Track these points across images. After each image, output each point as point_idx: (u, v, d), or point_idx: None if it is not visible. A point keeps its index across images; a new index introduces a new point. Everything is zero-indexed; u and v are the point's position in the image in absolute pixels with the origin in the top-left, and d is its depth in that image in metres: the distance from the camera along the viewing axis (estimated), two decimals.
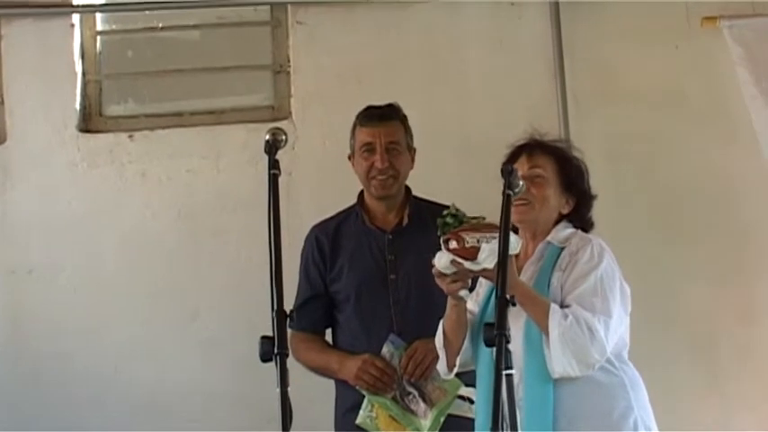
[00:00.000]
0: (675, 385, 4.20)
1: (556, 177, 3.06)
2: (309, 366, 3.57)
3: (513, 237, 2.73)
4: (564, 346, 2.80)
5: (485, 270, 2.77)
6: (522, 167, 2.99)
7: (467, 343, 2.97)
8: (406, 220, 3.60)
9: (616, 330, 2.89)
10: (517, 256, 2.95)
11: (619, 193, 4.19)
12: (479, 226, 2.81)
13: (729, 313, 4.37)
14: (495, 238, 2.73)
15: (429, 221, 3.26)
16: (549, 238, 3.01)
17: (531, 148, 3.09)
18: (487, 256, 2.75)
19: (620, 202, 4.15)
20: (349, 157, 3.66)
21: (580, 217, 3.12)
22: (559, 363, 2.81)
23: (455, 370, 3.06)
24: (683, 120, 4.43)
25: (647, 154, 4.42)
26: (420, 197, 3.68)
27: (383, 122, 3.58)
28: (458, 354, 3.01)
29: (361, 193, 3.68)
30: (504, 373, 2.44)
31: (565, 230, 3.05)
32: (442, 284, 2.90)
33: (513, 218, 2.75)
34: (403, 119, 3.62)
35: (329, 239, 3.66)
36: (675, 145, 4.43)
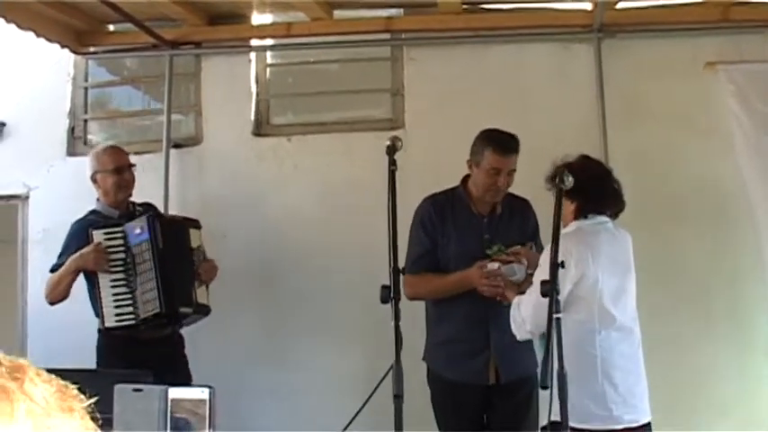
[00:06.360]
0: (677, 330, 4.68)
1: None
2: (428, 292, 3.84)
3: (517, 267, 3.59)
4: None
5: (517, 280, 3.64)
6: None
7: None
8: (499, 210, 3.96)
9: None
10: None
11: (643, 189, 4.45)
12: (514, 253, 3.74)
13: (722, 276, 4.82)
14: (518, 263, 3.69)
15: (514, 210, 3.90)
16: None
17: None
18: (516, 273, 3.71)
19: (644, 197, 4.44)
20: (468, 162, 3.90)
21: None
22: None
23: None
24: (689, 135, 4.89)
25: (664, 161, 4.89)
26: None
27: (512, 155, 3.82)
28: None
29: (464, 179, 3.94)
30: (554, 316, 2.85)
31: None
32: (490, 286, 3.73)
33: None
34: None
35: (440, 209, 3.94)
36: (684, 154, 4.89)
